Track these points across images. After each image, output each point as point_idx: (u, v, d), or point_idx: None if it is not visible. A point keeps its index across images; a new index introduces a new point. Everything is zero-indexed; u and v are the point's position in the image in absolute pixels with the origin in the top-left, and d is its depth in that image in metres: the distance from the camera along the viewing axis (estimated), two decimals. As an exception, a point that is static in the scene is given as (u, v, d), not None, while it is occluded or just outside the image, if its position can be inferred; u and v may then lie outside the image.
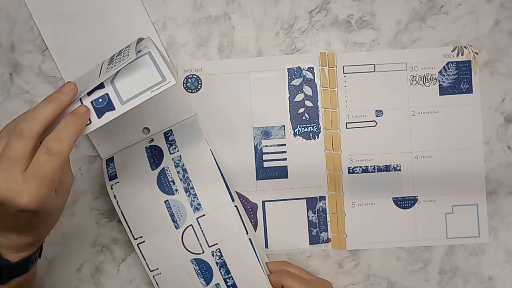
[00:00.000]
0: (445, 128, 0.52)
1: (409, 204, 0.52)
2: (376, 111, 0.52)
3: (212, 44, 0.51)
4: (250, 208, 0.52)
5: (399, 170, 0.52)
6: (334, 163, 0.52)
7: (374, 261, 0.52)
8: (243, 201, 0.51)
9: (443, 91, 0.52)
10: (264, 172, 0.51)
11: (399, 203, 0.52)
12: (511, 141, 0.52)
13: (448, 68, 0.52)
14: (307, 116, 0.52)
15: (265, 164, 0.51)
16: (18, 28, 0.51)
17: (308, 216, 0.52)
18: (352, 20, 0.52)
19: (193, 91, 0.51)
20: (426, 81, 0.52)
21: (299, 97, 0.52)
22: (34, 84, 0.51)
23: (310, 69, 0.52)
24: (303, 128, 0.52)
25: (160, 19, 0.51)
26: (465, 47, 0.52)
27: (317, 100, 0.52)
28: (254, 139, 0.52)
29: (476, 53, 0.52)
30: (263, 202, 0.52)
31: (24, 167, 0.36)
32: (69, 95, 0.39)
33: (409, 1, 0.52)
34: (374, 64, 0.52)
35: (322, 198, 0.52)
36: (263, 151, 0.51)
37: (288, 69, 0.52)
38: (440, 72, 0.52)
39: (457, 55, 0.52)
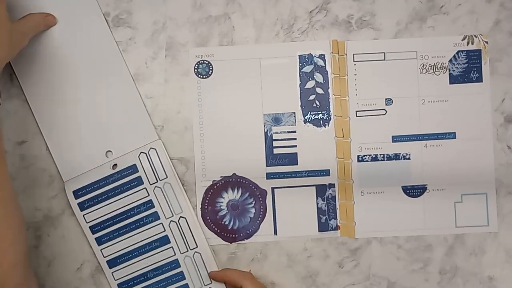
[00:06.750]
0: (455, 117, 0.52)
1: (418, 193, 0.52)
2: (386, 99, 0.52)
3: (212, 44, 0.51)
4: (259, 195, 0.51)
5: (409, 158, 0.52)
6: (344, 151, 0.51)
7: (374, 261, 0.52)
8: (253, 187, 0.51)
9: (453, 80, 0.52)
10: (274, 159, 0.51)
11: (408, 191, 0.52)
12: (511, 141, 0.52)
13: (459, 57, 0.51)
14: (317, 103, 0.52)
15: (275, 151, 0.51)
16: (18, 28, 0.51)
17: (317, 204, 0.51)
18: (352, 20, 0.52)
19: (203, 76, 0.51)
20: (436, 70, 0.51)
21: (310, 84, 0.51)
22: (34, 84, 0.51)
23: (322, 56, 0.51)
24: (313, 115, 0.52)
25: (160, 19, 0.51)
26: (475, 36, 0.51)
27: (328, 87, 0.51)
28: (264, 126, 0.51)
29: (486, 42, 0.51)
30: (273, 188, 0.52)
31: None
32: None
33: (409, 1, 0.52)
34: (384, 53, 0.51)
35: (332, 185, 0.51)
36: (273, 138, 0.51)
37: (299, 56, 0.51)
38: (450, 61, 0.52)
39: (467, 44, 0.51)
